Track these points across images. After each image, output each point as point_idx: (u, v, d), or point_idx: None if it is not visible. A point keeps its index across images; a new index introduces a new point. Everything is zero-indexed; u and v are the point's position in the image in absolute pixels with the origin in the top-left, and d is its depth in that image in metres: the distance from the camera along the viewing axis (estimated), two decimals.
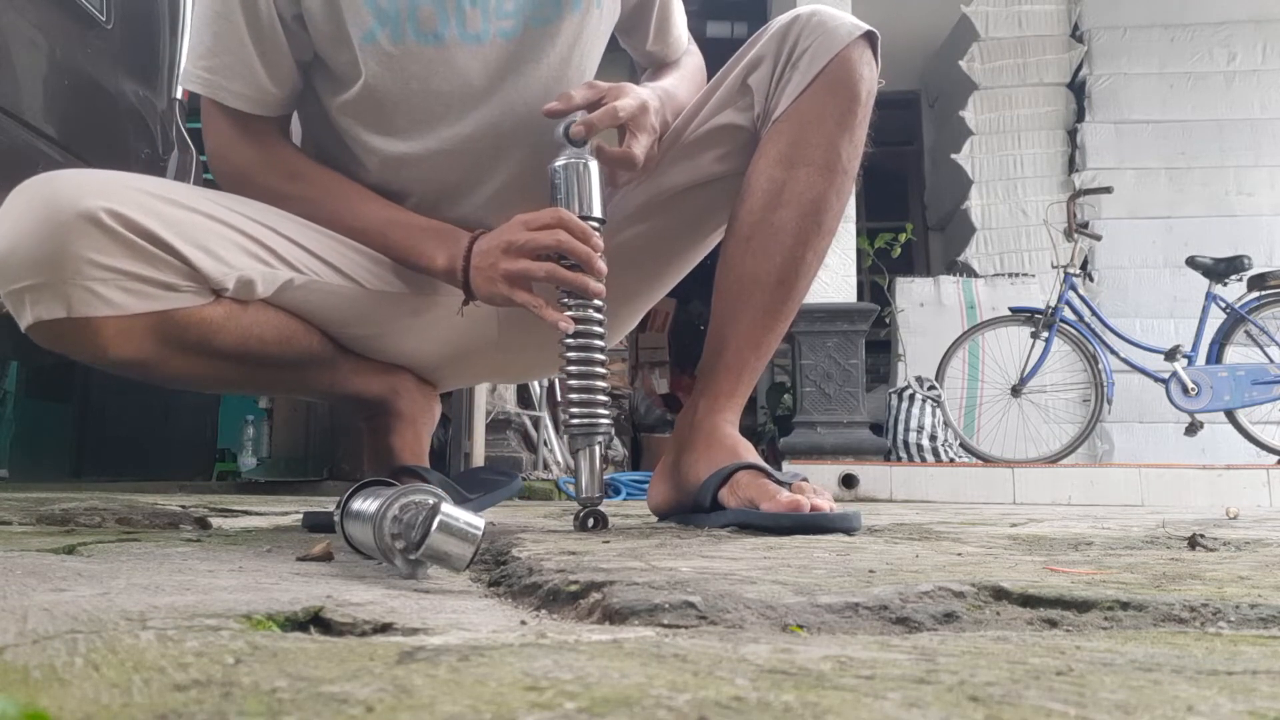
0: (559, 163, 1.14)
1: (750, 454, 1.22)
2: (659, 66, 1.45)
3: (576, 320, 1.12)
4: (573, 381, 1.15)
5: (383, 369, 1.34)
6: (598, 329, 1.14)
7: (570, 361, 1.14)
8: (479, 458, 3.51)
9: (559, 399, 4.32)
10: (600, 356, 1.15)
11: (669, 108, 1.28)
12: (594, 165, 1.13)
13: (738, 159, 1.27)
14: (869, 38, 1.23)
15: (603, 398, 1.16)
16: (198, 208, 1.10)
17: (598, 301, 1.13)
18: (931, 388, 4.25)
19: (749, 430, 6.05)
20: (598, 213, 1.13)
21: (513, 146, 1.24)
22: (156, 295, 1.05)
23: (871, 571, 0.67)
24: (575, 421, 1.15)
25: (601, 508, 1.15)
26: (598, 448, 1.15)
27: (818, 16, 1.23)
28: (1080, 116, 5.31)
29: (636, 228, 1.32)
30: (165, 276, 1.05)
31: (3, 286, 1.02)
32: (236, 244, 1.11)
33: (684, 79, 1.40)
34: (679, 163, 1.29)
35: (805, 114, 1.21)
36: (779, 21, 1.25)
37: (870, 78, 1.23)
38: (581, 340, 1.14)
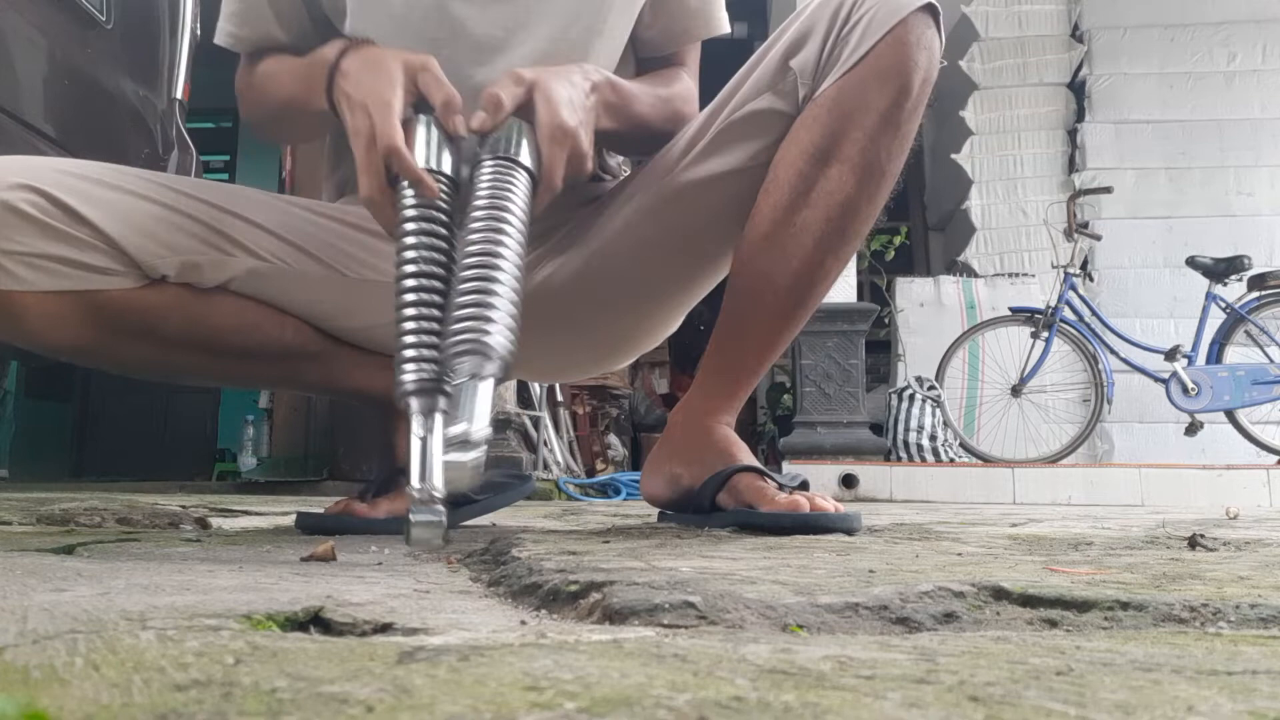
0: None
1: (746, 455, 1.18)
2: (652, 68, 1.29)
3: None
4: (467, 273, 0.80)
5: (388, 363, 1.18)
6: (514, 219, 0.85)
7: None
8: None
9: (559, 398, 4.31)
10: (509, 254, 0.82)
11: (618, 94, 1.13)
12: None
13: (772, 151, 1.14)
14: (930, 10, 1.08)
15: (503, 311, 0.78)
16: (143, 192, 1.09)
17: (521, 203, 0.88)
18: (931, 388, 4.25)
19: (749, 430, 6.06)
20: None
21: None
22: (72, 275, 1.05)
23: (871, 571, 0.67)
24: (462, 338, 0.76)
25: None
26: (480, 384, 0.74)
27: None
28: (1080, 116, 5.31)
29: (636, 228, 1.19)
30: (85, 257, 1.05)
31: None
32: (181, 228, 1.10)
33: (655, 87, 1.23)
34: (701, 161, 1.16)
35: (846, 102, 1.08)
36: None
37: (927, 63, 1.09)
38: (490, 220, 0.84)
